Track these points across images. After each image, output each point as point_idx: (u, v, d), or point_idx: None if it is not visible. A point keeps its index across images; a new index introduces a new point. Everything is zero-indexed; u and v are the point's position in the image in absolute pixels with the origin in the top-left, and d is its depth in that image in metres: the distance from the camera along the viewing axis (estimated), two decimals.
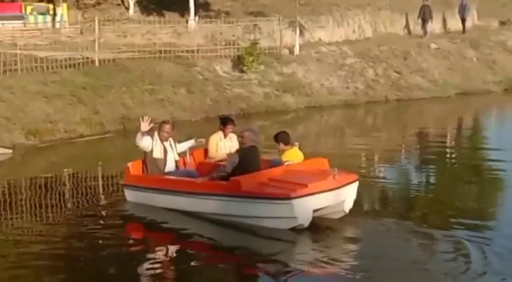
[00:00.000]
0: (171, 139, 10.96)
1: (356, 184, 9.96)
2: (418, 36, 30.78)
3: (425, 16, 30.43)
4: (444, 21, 33.61)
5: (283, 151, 10.59)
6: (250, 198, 9.45)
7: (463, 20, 32.37)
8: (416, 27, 31.87)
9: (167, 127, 10.87)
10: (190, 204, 10.09)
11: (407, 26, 32.17)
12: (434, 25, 32.33)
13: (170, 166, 10.80)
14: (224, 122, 11.67)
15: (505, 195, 11.86)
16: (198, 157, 11.58)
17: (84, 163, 15.36)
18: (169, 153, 10.82)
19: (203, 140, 11.48)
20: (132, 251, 9.10)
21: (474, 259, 8.36)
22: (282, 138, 10.61)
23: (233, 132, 11.60)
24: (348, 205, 9.82)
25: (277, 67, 24.01)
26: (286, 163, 10.34)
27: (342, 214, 9.83)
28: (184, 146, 11.41)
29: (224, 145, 11.45)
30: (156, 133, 10.83)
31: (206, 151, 11.61)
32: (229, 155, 11.00)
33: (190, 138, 11.62)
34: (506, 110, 25.36)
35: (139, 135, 10.47)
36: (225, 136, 11.55)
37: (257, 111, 21.97)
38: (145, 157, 10.80)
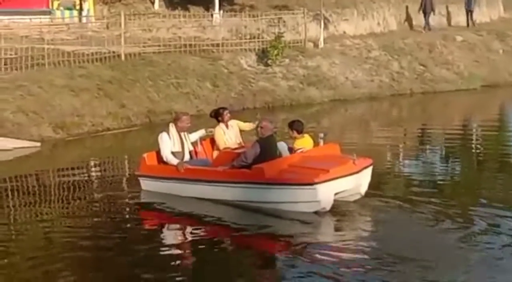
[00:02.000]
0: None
1: (371, 167, 10.42)
2: (441, 29, 30.52)
3: (426, 8, 29.15)
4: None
5: (295, 138, 10.98)
6: (274, 184, 9.82)
7: (470, 13, 31.05)
8: (440, 19, 31.57)
9: (187, 118, 11.18)
10: (212, 192, 10.38)
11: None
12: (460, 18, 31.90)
13: (186, 157, 11.06)
14: (218, 113, 11.68)
15: None
16: (207, 146, 11.85)
17: (110, 155, 15.58)
18: (185, 144, 11.10)
19: (213, 130, 11.63)
20: (157, 239, 9.34)
21: (496, 245, 8.46)
22: (297, 126, 11.05)
23: (231, 118, 11.78)
24: (364, 188, 10.31)
25: (302, 61, 24.03)
26: (300, 150, 10.71)
27: (359, 197, 10.31)
28: (195, 136, 11.63)
29: (229, 136, 11.57)
30: (171, 127, 11.03)
31: (213, 141, 11.76)
32: (244, 145, 11.32)
33: (200, 128, 11.82)
34: None
35: (172, 161, 10.75)
36: (226, 126, 11.64)
37: (282, 105, 22.04)
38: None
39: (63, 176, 13.17)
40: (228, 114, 11.72)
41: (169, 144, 10.90)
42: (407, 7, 30.43)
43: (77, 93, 18.28)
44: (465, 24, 31.24)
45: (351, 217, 9.94)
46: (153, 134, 11.52)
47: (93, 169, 14.05)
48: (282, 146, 10.86)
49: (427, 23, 29.27)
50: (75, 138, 16.75)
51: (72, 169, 13.79)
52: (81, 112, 17.67)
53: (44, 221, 10.15)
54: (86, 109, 17.86)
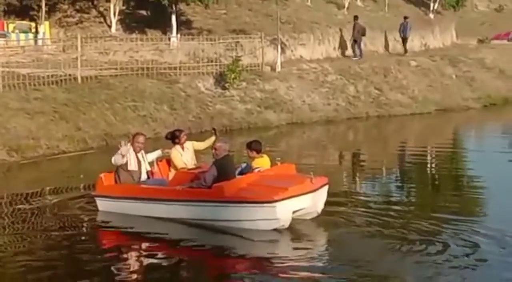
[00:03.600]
0: (142, 150, 11.31)
1: (327, 186, 10.60)
2: (398, 54, 31.04)
3: (355, 35, 28.73)
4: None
5: (253, 158, 11.10)
6: (234, 202, 9.91)
7: (404, 40, 30.97)
8: (396, 45, 32.08)
9: (141, 139, 11.30)
10: (171, 211, 10.41)
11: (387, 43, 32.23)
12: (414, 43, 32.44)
13: (143, 177, 11.16)
14: (175, 135, 11.73)
15: (484, 205, 12.07)
16: (163, 167, 11.89)
17: (66, 179, 15.34)
18: (142, 164, 11.21)
19: (169, 151, 11.69)
20: (114, 260, 9.22)
21: (452, 264, 8.56)
22: (255, 146, 11.19)
23: (187, 139, 11.87)
24: (320, 206, 10.47)
25: (259, 84, 24.21)
26: (257, 170, 10.83)
27: (315, 215, 10.45)
28: (152, 156, 11.75)
29: (186, 159, 11.61)
30: (129, 146, 11.12)
31: (168, 162, 11.81)
32: (200, 166, 11.35)
33: (156, 149, 11.92)
34: (484, 126, 25.73)
35: (119, 157, 10.82)
36: (182, 148, 11.67)
37: (239, 128, 22.14)
38: (118, 168, 11.08)
39: (17, 199, 12.93)
40: (185, 137, 11.80)
41: (123, 156, 10.91)
42: (341, 30, 30.27)
43: (33, 116, 18.11)
44: (415, 49, 31.27)
45: (309, 235, 10.05)
46: (110, 157, 11.44)
47: (48, 191, 13.82)
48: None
49: (357, 49, 28.84)
50: (30, 162, 16.53)
51: (27, 192, 13.57)
52: (37, 135, 17.47)
53: None
54: (42, 132, 17.67)
